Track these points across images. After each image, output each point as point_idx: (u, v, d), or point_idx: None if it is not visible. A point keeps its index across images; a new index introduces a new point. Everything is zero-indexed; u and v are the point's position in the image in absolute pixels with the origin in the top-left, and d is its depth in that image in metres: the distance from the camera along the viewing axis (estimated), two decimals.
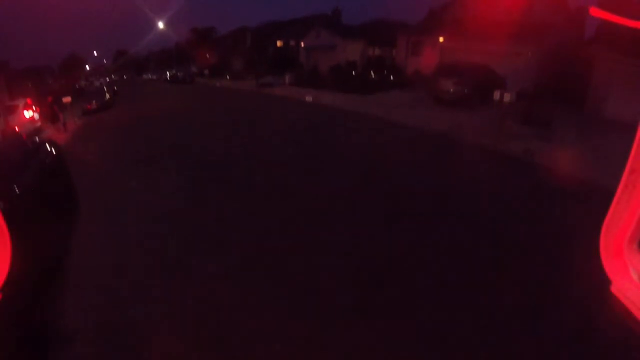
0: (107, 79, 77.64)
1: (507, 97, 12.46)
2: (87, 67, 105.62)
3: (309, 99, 21.30)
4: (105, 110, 25.25)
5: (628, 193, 1.29)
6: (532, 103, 15.44)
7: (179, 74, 47.48)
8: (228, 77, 44.22)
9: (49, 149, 7.02)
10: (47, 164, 6.41)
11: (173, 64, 76.14)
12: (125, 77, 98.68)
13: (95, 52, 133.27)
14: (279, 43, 54.10)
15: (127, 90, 41.71)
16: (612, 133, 13.42)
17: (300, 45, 42.51)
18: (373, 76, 28.74)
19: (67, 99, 22.85)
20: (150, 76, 75.91)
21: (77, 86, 55.06)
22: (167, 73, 56.70)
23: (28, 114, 18.42)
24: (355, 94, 22.05)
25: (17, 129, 17.42)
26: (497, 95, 17.86)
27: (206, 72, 50.05)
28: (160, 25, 64.29)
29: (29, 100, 19.04)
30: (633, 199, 1.27)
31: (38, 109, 19.98)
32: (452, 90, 17.31)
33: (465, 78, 17.26)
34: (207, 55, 70.59)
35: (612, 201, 1.33)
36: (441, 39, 25.81)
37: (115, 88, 42.25)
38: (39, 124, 19.46)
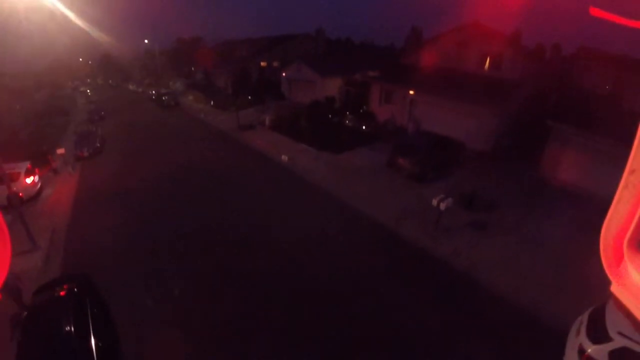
0: (90, 90, 77.15)
1: (445, 204, 14.38)
2: (72, 82, 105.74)
3: (284, 158, 23.30)
4: (96, 156, 27.10)
5: (628, 193, 1.32)
6: (477, 187, 17.56)
7: (164, 97, 48.58)
8: (212, 102, 45.57)
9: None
10: None
11: (159, 76, 76.88)
12: (110, 81, 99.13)
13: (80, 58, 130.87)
14: (262, 63, 55.93)
15: (114, 121, 42.97)
16: (555, 214, 16.11)
17: (282, 74, 44.30)
18: (348, 122, 30.66)
19: (61, 151, 24.46)
20: (136, 88, 76.06)
21: (69, 107, 55.87)
22: (153, 91, 57.77)
23: (29, 180, 20.06)
24: (329, 152, 24.06)
25: (21, 194, 19.40)
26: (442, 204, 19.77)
27: (190, 97, 50.95)
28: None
29: (29, 166, 20.54)
30: (633, 199, 1.31)
31: (38, 170, 21.65)
32: (408, 168, 19.50)
33: (420, 156, 19.26)
34: (193, 69, 71.79)
35: (612, 201, 1.37)
36: (411, 92, 27.76)
37: (102, 113, 43.74)
38: (39, 185, 21.16)
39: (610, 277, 1.44)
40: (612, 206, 1.39)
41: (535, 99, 25.73)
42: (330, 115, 32.32)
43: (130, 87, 79.22)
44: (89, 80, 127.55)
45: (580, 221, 15.33)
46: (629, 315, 1.36)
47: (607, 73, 27.64)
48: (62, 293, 10.10)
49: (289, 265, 13.22)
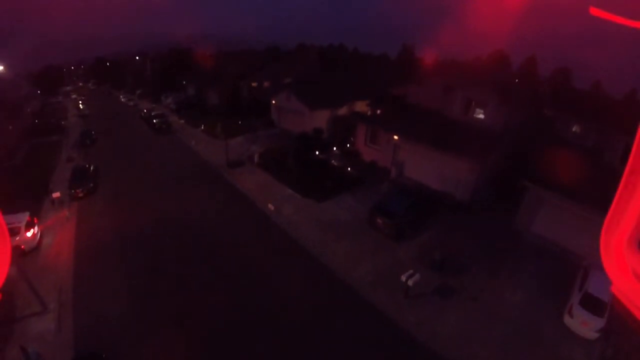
0: (81, 100, 77.11)
1: (413, 280, 15.84)
2: (67, 87, 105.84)
3: (271, 207, 24.63)
4: (91, 195, 28.22)
5: (628, 193, 1.33)
6: (447, 249, 19.02)
7: (155, 120, 49.41)
8: (203, 127, 46.51)
9: None
10: None
11: (149, 89, 77.34)
12: (103, 89, 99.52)
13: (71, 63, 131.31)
14: (253, 84, 57.09)
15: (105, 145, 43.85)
16: (522, 277, 17.70)
17: (272, 102, 45.43)
18: (334, 161, 31.96)
19: (56, 195, 25.57)
20: (127, 100, 76.34)
21: (61, 123, 56.26)
22: (144, 110, 58.54)
23: (30, 233, 21.10)
24: (313, 199, 25.46)
25: (23, 247, 20.50)
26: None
27: (182, 121, 51.78)
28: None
29: (29, 218, 21.53)
30: (633, 199, 1.32)
31: (37, 220, 22.70)
32: (386, 229, 20.92)
33: (397, 219, 20.61)
34: (184, 82, 72.48)
35: (612, 201, 1.39)
36: (395, 137, 28.95)
37: (94, 135, 44.56)
38: (39, 236, 22.18)
39: (610, 277, 1.46)
40: (612, 206, 1.42)
41: (516, 148, 26.88)
42: (317, 151, 33.54)
43: (122, 98, 79.42)
44: (80, 84, 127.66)
45: (546, 285, 17.10)
46: (629, 314, 1.37)
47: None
48: None
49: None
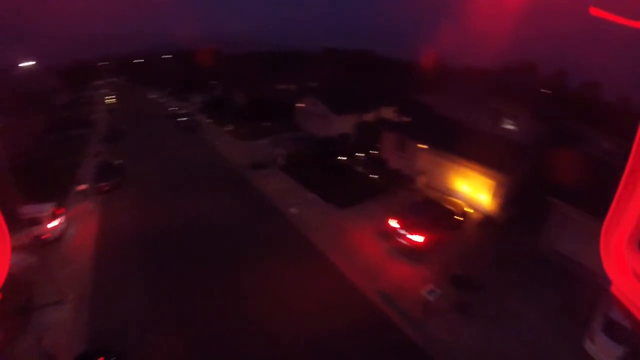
0: (111, 94, 78.39)
1: (433, 297, 15.14)
2: (97, 82, 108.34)
3: (293, 211, 24.37)
4: (115, 190, 28.47)
5: (628, 193, 1.34)
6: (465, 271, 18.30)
7: (181, 118, 49.88)
8: (228, 127, 46.67)
9: None
10: None
11: (177, 88, 78.40)
12: (132, 85, 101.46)
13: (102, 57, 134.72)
14: (280, 86, 57.28)
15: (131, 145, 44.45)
16: (543, 296, 16.79)
17: (298, 104, 45.38)
18: (359, 167, 31.56)
19: (82, 187, 25.84)
20: (156, 97, 77.41)
21: (90, 117, 57.37)
22: (172, 108, 59.19)
23: (54, 223, 21.29)
24: (337, 205, 25.08)
25: (46, 236, 20.71)
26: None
27: (208, 121, 52.09)
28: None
29: (53, 209, 21.72)
30: (633, 199, 1.33)
31: (61, 210, 22.89)
32: (407, 246, 20.26)
33: (422, 231, 19.82)
34: (213, 82, 73.23)
35: (612, 201, 1.39)
36: (423, 146, 28.21)
37: (122, 129, 45.26)
38: (63, 226, 22.38)
39: (610, 277, 1.47)
40: (612, 206, 1.43)
41: (544, 161, 25.98)
42: (342, 156, 33.22)
43: (151, 95, 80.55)
44: (111, 79, 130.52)
45: (568, 307, 16.11)
46: (629, 314, 1.38)
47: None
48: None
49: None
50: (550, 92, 52.46)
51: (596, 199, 17.84)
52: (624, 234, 1.43)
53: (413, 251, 20.05)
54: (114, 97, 75.05)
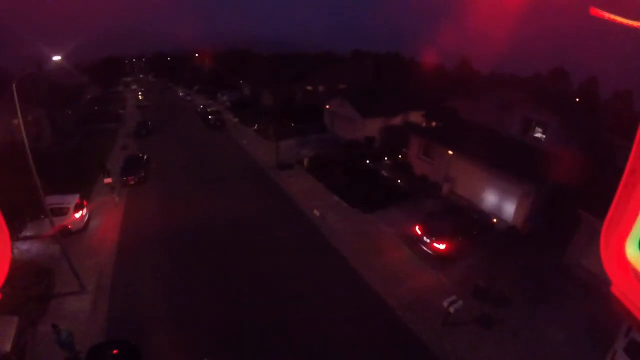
0: (141, 91, 79.55)
1: (454, 308, 14.42)
2: (128, 78, 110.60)
3: (316, 213, 23.93)
4: (141, 184, 28.59)
5: (628, 193, 1.33)
6: (491, 281, 17.48)
7: (210, 116, 50.09)
8: (256, 126, 46.63)
9: None
10: None
11: (206, 86, 79.12)
12: (162, 82, 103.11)
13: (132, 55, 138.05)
14: (308, 87, 57.06)
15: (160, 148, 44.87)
16: (566, 315, 15.86)
17: (326, 107, 44.95)
18: (384, 172, 30.96)
19: (108, 180, 25.89)
20: (185, 95, 78.22)
21: (119, 112, 58.35)
22: (201, 106, 59.53)
23: (78, 214, 21.41)
24: (361, 209, 24.49)
25: (70, 227, 20.81)
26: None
27: (236, 119, 52.11)
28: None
29: (78, 200, 21.88)
30: (633, 199, 1.31)
31: (86, 202, 23.04)
32: (430, 253, 19.62)
33: (445, 239, 19.25)
34: (241, 82, 73.66)
35: (612, 201, 1.38)
36: (450, 152, 27.59)
37: (150, 125, 45.77)
38: (87, 217, 22.51)
39: (610, 277, 1.46)
40: (612, 206, 1.42)
41: (573, 172, 25.06)
42: (367, 160, 32.70)
43: (180, 93, 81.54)
44: (141, 75, 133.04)
45: (591, 326, 15.28)
46: (629, 315, 1.38)
47: None
48: (114, 351, 12.51)
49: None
50: (581, 100, 50.84)
51: None
52: (624, 234, 1.40)
53: (436, 259, 19.46)
54: (144, 93, 76.20)
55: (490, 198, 24.80)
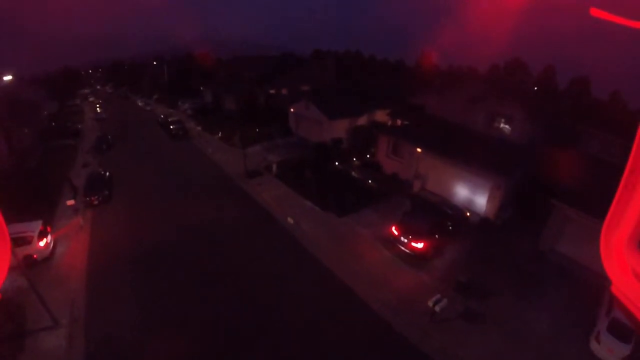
0: (99, 103, 77.46)
1: (440, 306, 14.83)
2: (85, 90, 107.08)
3: (290, 220, 23.82)
4: (105, 203, 27.67)
5: (628, 193, 1.34)
6: (472, 276, 17.91)
7: (172, 125, 49.03)
8: (220, 134, 45.97)
9: None
10: None
11: (166, 94, 77.48)
12: (119, 93, 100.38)
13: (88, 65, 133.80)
14: (271, 91, 56.67)
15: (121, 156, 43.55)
16: (547, 301, 16.52)
17: (290, 110, 44.72)
18: (354, 173, 31.11)
19: (71, 202, 24.95)
20: (144, 105, 76.44)
21: (78, 127, 56.25)
22: (161, 116, 58.23)
23: (43, 242, 20.48)
24: (333, 213, 24.55)
25: (35, 256, 19.94)
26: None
27: (199, 128, 51.12)
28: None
29: (42, 227, 20.88)
30: (633, 199, 1.32)
31: (50, 228, 22.11)
32: (409, 249, 19.89)
33: (422, 237, 19.57)
34: (202, 88, 72.40)
35: (612, 201, 1.39)
36: (418, 150, 27.93)
37: (110, 139, 44.46)
38: (52, 245, 21.59)
39: (610, 277, 1.46)
40: (612, 206, 1.42)
41: (540, 162, 25.78)
42: (336, 162, 32.76)
43: (139, 103, 79.59)
44: (98, 87, 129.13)
45: (572, 308, 16.18)
46: (629, 315, 1.38)
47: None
48: None
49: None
50: (544, 90, 52.61)
51: (594, 199, 17.85)
52: (624, 234, 1.41)
53: (414, 258, 19.78)
54: (102, 105, 74.07)
55: (461, 192, 25.38)
